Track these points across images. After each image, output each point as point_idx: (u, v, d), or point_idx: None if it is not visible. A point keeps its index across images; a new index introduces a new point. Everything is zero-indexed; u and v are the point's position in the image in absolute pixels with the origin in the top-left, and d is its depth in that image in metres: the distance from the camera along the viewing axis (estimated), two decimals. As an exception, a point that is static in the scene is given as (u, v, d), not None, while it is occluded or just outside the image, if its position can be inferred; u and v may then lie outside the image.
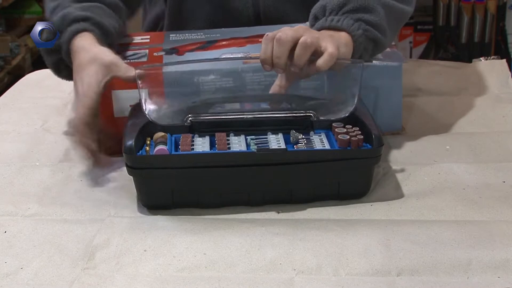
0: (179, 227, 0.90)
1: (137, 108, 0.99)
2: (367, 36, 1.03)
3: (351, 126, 0.96)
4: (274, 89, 1.01)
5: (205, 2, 1.28)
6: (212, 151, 0.94)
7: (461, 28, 2.84)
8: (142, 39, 1.19)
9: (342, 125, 0.97)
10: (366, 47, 1.04)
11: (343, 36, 1.01)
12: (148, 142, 0.95)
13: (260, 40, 1.15)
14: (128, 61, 1.09)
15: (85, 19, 1.06)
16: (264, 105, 1.04)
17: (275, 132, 0.98)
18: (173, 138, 0.97)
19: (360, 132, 0.95)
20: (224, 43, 1.15)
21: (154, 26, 1.39)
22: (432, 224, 0.89)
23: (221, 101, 1.04)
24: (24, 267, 0.83)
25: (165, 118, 0.99)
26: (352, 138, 0.93)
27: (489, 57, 1.45)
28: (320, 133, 0.98)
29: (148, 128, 0.96)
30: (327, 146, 0.95)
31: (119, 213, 0.94)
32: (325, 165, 0.93)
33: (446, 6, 2.85)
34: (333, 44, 0.96)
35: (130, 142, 0.92)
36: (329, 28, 1.02)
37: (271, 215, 0.93)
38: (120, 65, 1.02)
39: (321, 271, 0.81)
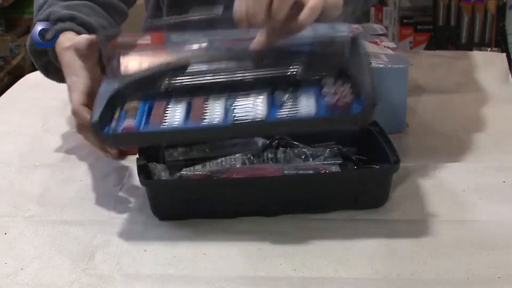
0: (179, 228, 0.89)
1: (109, 75, 0.90)
2: None
3: (342, 83, 0.84)
4: (254, 46, 0.89)
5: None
6: (182, 127, 0.84)
7: (461, 28, 2.84)
8: (143, 39, 1.18)
9: (333, 80, 0.85)
10: (356, 5, 0.95)
11: None
12: (118, 113, 0.87)
13: None
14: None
15: (71, 18, 1.03)
16: (246, 64, 0.91)
17: (257, 93, 0.87)
18: (146, 107, 0.88)
19: (350, 91, 0.83)
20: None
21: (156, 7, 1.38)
22: (432, 224, 0.89)
23: (198, 60, 0.92)
24: (24, 268, 0.83)
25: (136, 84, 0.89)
26: (340, 100, 0.82)
27: (489, 48, 1.44)
28: (308, 91, 0.87)
29: (120, 97, 0.88)
30: (312, 112, 0.83)
31: (119, 214, 0.94)
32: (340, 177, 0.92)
33: (446, 6, 2.85)
34: None
35: (96, 117, 0.84)
36: None
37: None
38: (84, 37, 0.97)
39: (321, 271, 0.81)
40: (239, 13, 0.87)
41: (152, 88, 0.88)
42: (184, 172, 0.93)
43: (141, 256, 0.84)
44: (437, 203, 0.94)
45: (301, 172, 0.92)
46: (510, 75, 1.34)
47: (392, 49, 1.18)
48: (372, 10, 3.00)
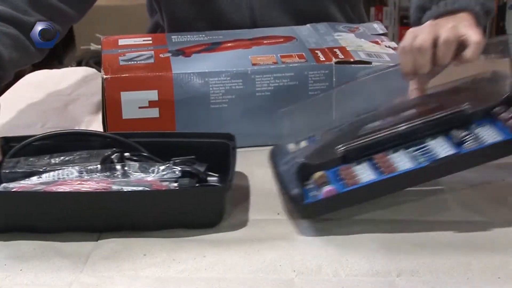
0: (178, 233, 0.89)
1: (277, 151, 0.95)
2: (483, 9, 0.97)
3: None
4: (413, 94, 0.94)
5: (201, 17, 1.27)
6: (386, 176, 0.86)
7: (461, 28, 2.84)
8: (144, 40, 1.19)
9: (504, 108, 0.88)
10: (484, 21, 0.99)
11: (464, 16, 0.95)
12: (312, 186, 0.89)
13: (264, 42, 1.16)
14: (135, 63, 1.09)
15: None
16: (408, 113, 0.94)
17: (433, 137, 0.90)
18: (332, 174, 0.90)
19: None
20: (229, 44, 1.15)
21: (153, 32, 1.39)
22: (432, 224, 0.89)
23: (360, 124, 0.94)
24: (23, 269, 0.83)
25: (315, 156, 0.92)
26: None
27: (490, 55, 1.43)
28: (482, 123, 0.89)
29: (302, 171, 0.90)
30: (500, 137, 0.85)
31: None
32: None
33: (446, 6, 2.85)
34: (473, 29, 0.91)
35: (297, 190, 0.88)
36: (446, 13, 0.96)
37: (271, 216, 0.93)
38: None
39: (321, 272, 0.81)
40: (407, 69, 0.91)
41: (329, 155, 0.91)
42: (11, 184, 0.91)
43: (141, 259, 0.84)
44: (437, 203, 0.94)
45: (128, 188, 0.88)
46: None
47: (393, 48, 1.18)
48: (372, 10, 3.00)
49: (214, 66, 1.08)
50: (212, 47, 1.15)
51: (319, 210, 0.89)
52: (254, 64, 1.08)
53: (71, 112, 1.23)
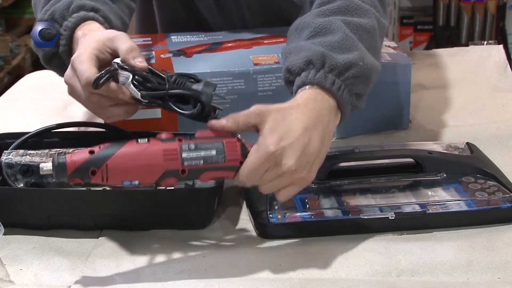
0: (178, 233, 0.89)
1: None
2: (353, 96, 0.87)
3: (483, 181, 0.93)
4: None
5: (193, 30, 1.25)
6: (350, 217, 0.88)
7: (461, 28, 2.84)
8: (144, 40, 1.19)
9: (473, 179, 0.93)
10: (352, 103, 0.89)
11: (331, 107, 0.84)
12: (277, 207, 0.89)
13: (265, 42, 1.15)
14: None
15: (94, 9, 0.99)
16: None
17: (401, 190, 0.93)
18: (297, 200, 0.90)
19: (496, 188, 0.91)
20: (230, 45, 1.15)
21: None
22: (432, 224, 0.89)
23: (338, 159, 0.95)
24: (23, 268, 0.83)
25: None
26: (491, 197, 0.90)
27: (485, 42, 1.43)
28: (448, 187, 0.93)
29: None
30: (463, 207, 0.89)
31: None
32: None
33: (446, 6, 2.85)
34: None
35: (263, 209, 0.88)
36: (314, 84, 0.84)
37: (271, 215, 0.93)
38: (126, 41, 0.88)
39: (321, 272, 0.81)
40: (254, 175, 0.80)
41: None
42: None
43: (141, 259, 0.84)
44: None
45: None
46: (508, 66, 1.34)
47: (393, 48, 1.18)
48: (372, 10, 2.99)
49: (216, 66, 1.08)
50: (213, 47, 1.15)
51: (282, 233, 0.88)
52: (255, 64, 1.08)
53: (71, 112, 1.23)
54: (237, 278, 0.80)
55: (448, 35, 2.87)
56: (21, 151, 0.94)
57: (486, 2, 2.79)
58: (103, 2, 1.03)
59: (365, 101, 0.90)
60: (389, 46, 1.18)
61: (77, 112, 1.20)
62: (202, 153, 0.79)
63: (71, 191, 0.88)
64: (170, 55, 1.12)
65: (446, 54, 1.43)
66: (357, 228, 0.87)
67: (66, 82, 0.91)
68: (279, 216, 0.88)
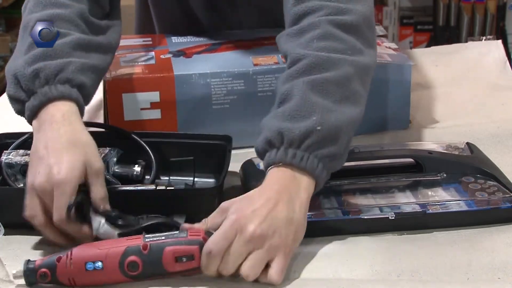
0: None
1: None
2: (324, 159, 0.85)
3: (483, 181, 0.93)
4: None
5: (189, 35, 1.24)
6: (350, 217, 0.88)
7: (461, 28, 2.84)
8: (144, 41, 1.19)
9: (473, 179, 0.94)
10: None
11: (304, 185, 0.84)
12: None
13: (265, 42, 1.15)
14: (136, 64, 1.08)
15: (81, 86, 0.90)
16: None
17: (401, 190, 0.94)
18: None
19: (496, 189, 0.92)
20: (230, 45, 1.15)
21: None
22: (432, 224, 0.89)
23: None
24: (24, 268, 0.83)
25: None
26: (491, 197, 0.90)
27: (484, 37, 1.42)
28: (448, 187, 0.94)
29: None
30: (463, 207, 0.90)
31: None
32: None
33: (446, 6, 2.85)
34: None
35: None
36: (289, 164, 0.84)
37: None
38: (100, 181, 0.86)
39: (321, 273, 0.81)
40: (208, 271, 0.79)
41: None
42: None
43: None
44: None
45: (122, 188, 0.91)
46: (507, 62, 1.33)
47: (394, 49, 1.18)
48: (372, 10, 2.99)
49: (216, 67, 1.08)
50: (213, 47, 1.15)
51: None
52: (255, 65, 1.08)
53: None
54: (236, 278, 0.80)
55: (448, 35, 2.87)
56: (21, 151, 0.94)
57: (486, 2, 2.79)
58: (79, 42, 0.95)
59: (365, 104, 0.90)
60: (389, 48, 1.19)
61: (77, 112, 1.20)
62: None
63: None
64: (170, 55, 1.12)
65: (445, 52, 1.43)
66: (357, 228, 0.87)
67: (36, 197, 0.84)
68: None
